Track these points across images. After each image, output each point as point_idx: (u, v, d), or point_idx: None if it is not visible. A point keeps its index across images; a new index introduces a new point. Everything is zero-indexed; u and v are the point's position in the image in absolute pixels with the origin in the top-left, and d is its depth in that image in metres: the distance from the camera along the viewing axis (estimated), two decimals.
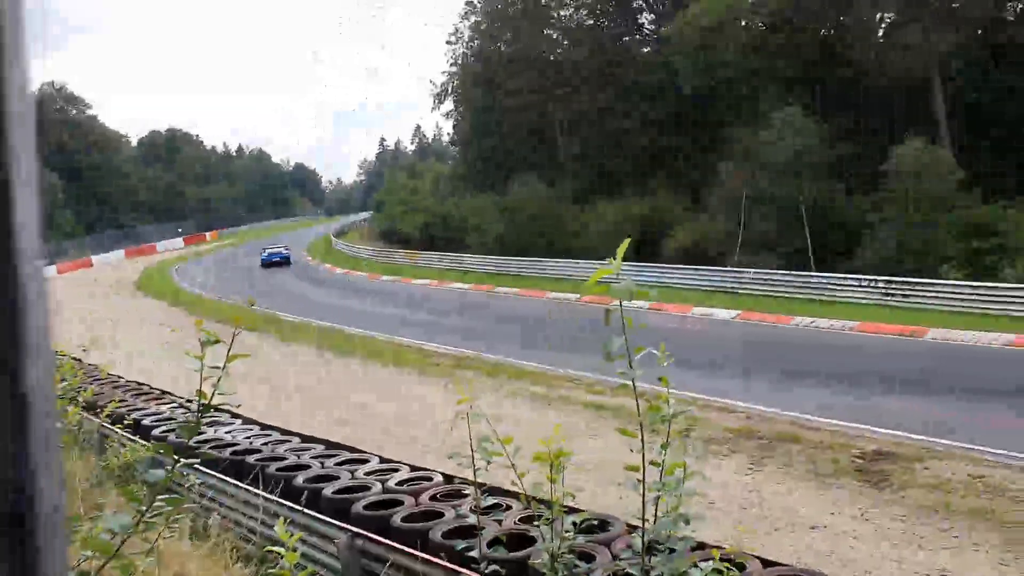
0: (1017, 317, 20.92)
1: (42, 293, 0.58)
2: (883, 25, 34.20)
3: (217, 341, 2.58)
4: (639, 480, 2.70)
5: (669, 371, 2.92)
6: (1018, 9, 35.22)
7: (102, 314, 30.54)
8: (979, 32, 33.12)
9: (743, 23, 35.14)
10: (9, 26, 0.57)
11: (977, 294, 22.74)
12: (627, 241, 2.50)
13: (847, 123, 32.78)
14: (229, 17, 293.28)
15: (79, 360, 14.25)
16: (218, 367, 2.58)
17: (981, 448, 11.34)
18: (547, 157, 52.10)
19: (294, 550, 3.21)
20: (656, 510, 2.81)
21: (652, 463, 2.74)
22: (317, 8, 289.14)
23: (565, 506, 3.35)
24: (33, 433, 0.56)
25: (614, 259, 2.37)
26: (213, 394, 2.60)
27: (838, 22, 36.38)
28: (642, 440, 2.70)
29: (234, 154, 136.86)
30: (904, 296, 24.27)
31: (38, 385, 0.56)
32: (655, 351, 2.65)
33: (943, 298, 23.32)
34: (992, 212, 27.01)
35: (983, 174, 28.91)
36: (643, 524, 2.74)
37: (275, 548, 3.42)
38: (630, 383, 2.46)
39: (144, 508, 2.37)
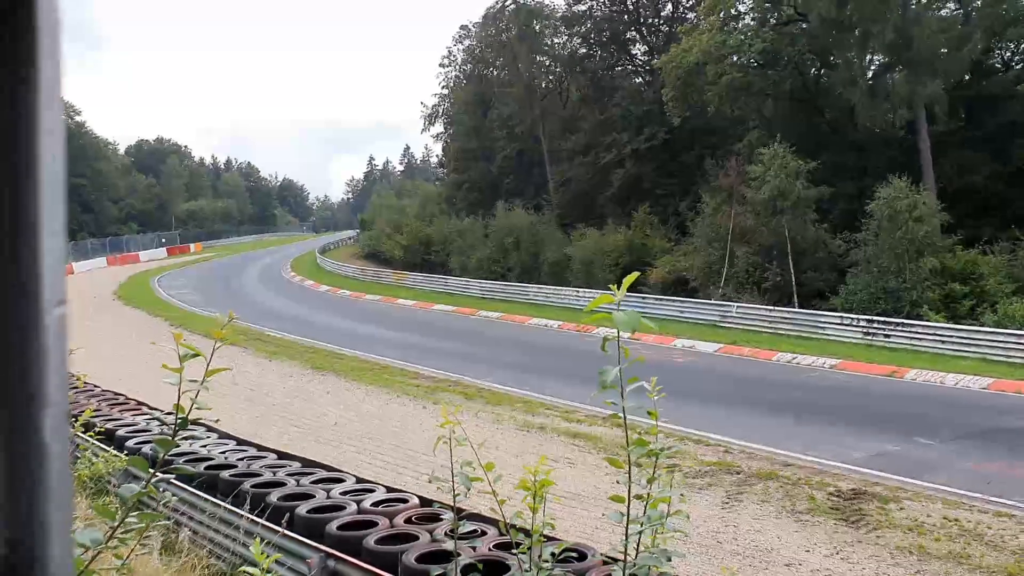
0: (994, 361, 21.08)
1: (62, 342, 0.56)
2: (872, 67, 34.60)
3: (197, 355, 2.54)
4: (623, 513, 2.66)
5: (653, 404, 2.89)
6: (1005, 57, 35.76)
7: (80, 323, 30.26)
8: (965, 78, 33.59)
9: (734, 58, 35.45)
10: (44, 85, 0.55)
11: (957, 337, 22.89)
12: (635, 274, 2.47)
13: (832, 162, 33.09)
14: (223, 33, 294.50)
15: None
16: (196, 380, 2.53)
17: (957, 491, 11.37)
18: (534, 182, 52.30)
19: (268, 571, 3.15)
20: (639, 544, 2.77)
21: (637, 497, 2.71)
22: (311, 25, 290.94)
23: (544, 535, 3.31)
24: (47, 489, 0.54)
25: (616, 287, 2.34)
26: (191, 408, 2.55)
27: (826, 63, 36.83)
28: (628, 473, 2.67)
29: (223, 167, 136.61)
30: (886, 336, 24.41)
31: (53, 435, 0.54)
32: (646, 384, 2.62)
33: (923, 339, 23.46)
34: (971, 257, 27.29)
35: (964, 219, 29.22)
36: (625, 557, 2.71)
37: (249, 569, 3.35)
38: (621, 414, 2.43)
39: (116, 523, 2.32)
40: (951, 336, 23.06)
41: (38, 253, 0.54)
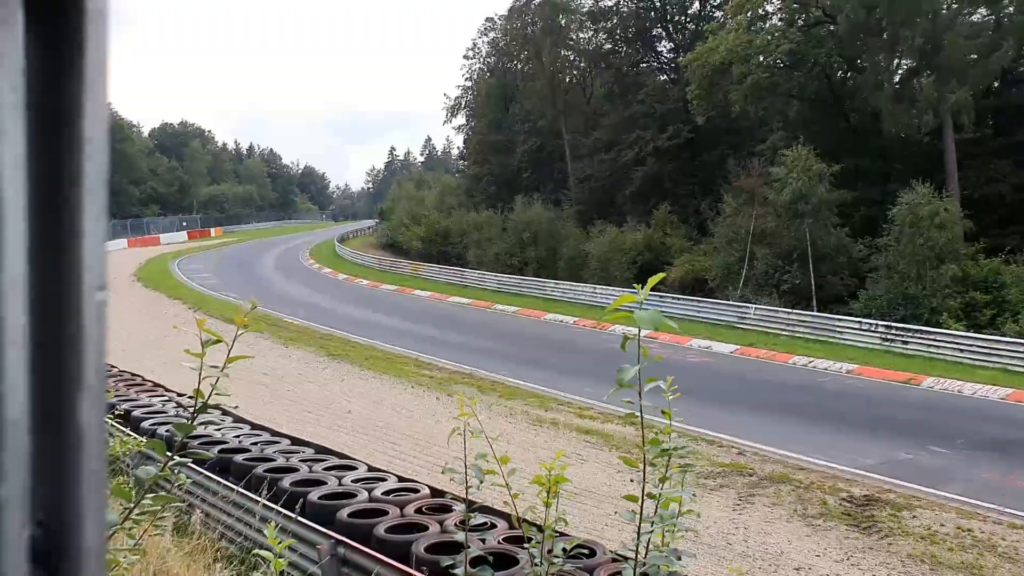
0: (1015, 371, 20.86)
1: (101, 326, 0.56)
2: (899, 72, 34.25)
3: (218, 340, 2.54)
4: (635, 512, 2.66)
5: (668, 403, 2.89)
6: None
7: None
8: (994, 85, 33.25)
9: (760, 58, 35.20)
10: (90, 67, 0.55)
11: (976, 346, 22.66)
12: (661, 275, 2.47)
13: (856, 167, 32.87)
14: (246, 22, 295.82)
15: None
16: (216, 366, 2.54)
17: (971, 501, 11.29)
18: (554, 177, 52.18)
19: (281, 556, 3.16)
20: (649, 543, 2.77)
21: (649, 496, 2.70)
22: (335, 16, 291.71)
23: (556, 531, 3.32)
24: (82, 472, 0.54)
25: (639, 285, 2.33)
26: (210, 393, 2.56)
27: (853, 66, 36.54)
28: (643, 472, 2.66)
29: (244, 153, 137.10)
30: (904, 342, 24.20)
31: (90, 418, 0.54)
32: (662, 383, 2.61)
33: (942, 347, 23.26)
34: (994, 266, 27.05)
35: (988, 227, 28.95)
36: (636, 555, 2.70)
37: (262, 552, 3.37)
38: (638, 413, 2.42)
39: (132, 505, 2.33)
40: (970, 345, 22.84)
41: (80, 236, 0.55)
